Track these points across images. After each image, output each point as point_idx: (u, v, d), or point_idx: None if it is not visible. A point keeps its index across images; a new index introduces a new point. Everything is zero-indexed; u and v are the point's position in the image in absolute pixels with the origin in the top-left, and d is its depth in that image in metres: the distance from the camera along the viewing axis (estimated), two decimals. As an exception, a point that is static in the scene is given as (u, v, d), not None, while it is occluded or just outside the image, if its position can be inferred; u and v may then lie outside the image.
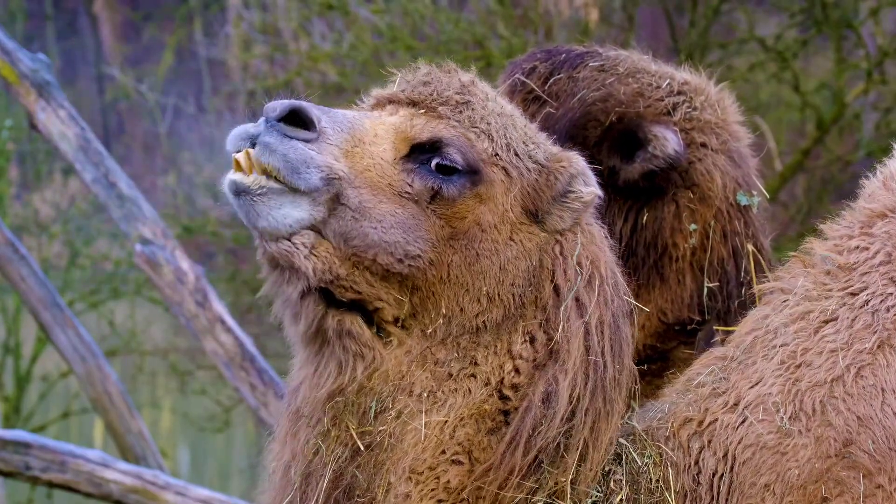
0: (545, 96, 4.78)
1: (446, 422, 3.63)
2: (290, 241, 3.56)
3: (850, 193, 4.06)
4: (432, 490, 3.63)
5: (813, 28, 13.27)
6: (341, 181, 3.57)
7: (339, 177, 3.57)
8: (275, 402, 8.66)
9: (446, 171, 3.68)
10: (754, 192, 4.78)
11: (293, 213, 3.56)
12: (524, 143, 3.80)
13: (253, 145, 3.57)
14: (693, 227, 4.68)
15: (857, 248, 3.84)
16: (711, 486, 3.67)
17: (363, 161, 3.62)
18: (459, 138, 3.70)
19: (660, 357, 4.69)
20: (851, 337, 3.69)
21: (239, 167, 3.57)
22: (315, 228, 3.57)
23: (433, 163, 3.68)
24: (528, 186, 3.75)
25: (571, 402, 3.65)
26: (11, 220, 15.74)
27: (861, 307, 3.73)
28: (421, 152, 3.69)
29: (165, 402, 18.66)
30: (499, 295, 3.67)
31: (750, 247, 4.71)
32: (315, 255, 3.57)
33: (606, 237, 3.88)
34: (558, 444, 3.64)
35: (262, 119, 3.60)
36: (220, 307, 8.78)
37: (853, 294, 3.76)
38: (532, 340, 3.70)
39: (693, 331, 4.74)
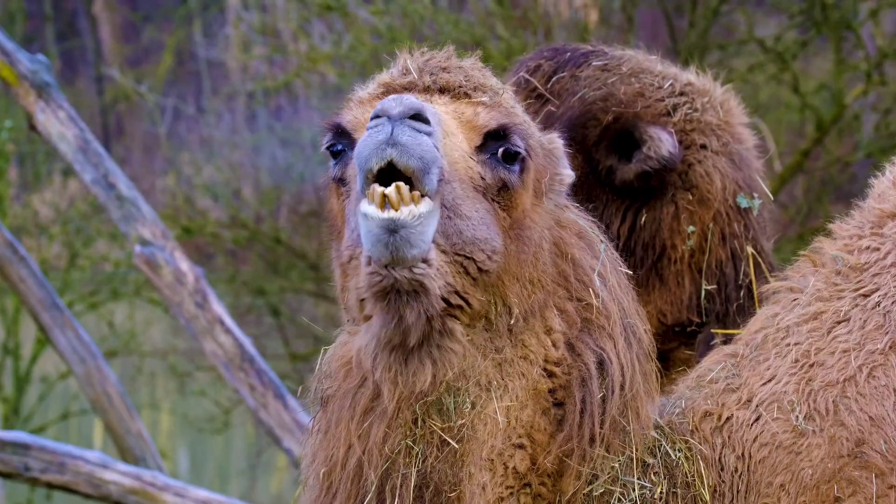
0: (548, 94, 4.79)
1: (510, 406, 3.65)
2: (425, 261, 3.44)
3: (849, 194, 4.07)
4: (502, 476, 3.65)
5: (812, 29, 13.27)
6: (444, 181, 3.49)
7: (445, 177, 3.49)
8: (274, 403, 8.66)
9: (510, 159, 3.64)
10: (755, 195, 4.77)
11: (432, 228, 3.44)
12: (533, 128, 3.82)
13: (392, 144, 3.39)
14: (691, 229, 4.68)
15: (868, 248, 3.86)
16: (732, 483, 3.71)
17: (453, 154, 3.55)
18: (518, 124, 3.68)
19: (660, 358, 4.68)
20: (863, 338, 3.72)
21: (384, 203, 3.38)
22: (434, 237, 3.46)
23: (500, 151, 3.63)
24: (541, 169, 3.76)
25: (622, 367, 3.68)
26: (11, 221, 15.72)
27: (873, 308, 3.76)
28: (494, 140, 3.63)
29: (165, 404, 18.64)
30: (538, 278, 3.69)
31: (749, 249, 4.71)
32: (439, 271, 3.46)
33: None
34: (623, 411, 3.67)
35: (382, 119, 3.43)
36: (219, 308, 8.78)
37: (865, 295, 3.79)
38: (562, 312, 3.72)
39: (693, 332, 4.75)
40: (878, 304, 3.74)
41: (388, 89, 3.73)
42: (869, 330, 3.71)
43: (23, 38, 19.28)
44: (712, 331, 4.64)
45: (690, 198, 4.70)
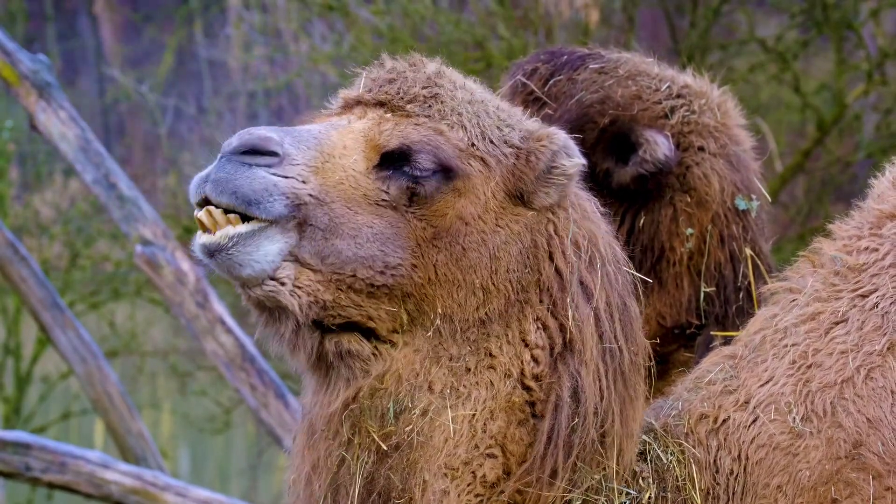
0: (545, 98, 4.78)
1: (474, 415, 3.62)
2: (273, 279, 3.54)
3: (850, 195, 4.06)
4: (469, 485, 3.62)
5: (813, 29, 13.27)
6: (307, 205, 3.54)
7: (304, 202, 3.54)
8: (275, 402, 8.66)
9: (423, 175, 3.63)
10: (754, 197, 4.77)
11: (270, 247, 3.53)
12: (498, 128, 3.74)
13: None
14: (690, 231, 4.67)
15: (867, 248, 3.83)
16: (728, 486, 3.68)
17: (335, 175, 3.59)
18: (430, 138, 3.65)
19: (660, 360, 4.68)
20: (861, 339, 3.69)
21: (204, 227, 3.54)
22: (293, 255, 3.54)
23: (405, 169, 3.63)
24: (508, 171, 3.70)
25: (597, 396, 3.62)
26: (12, 221, 15.72)
27: (871, 309, 3.73)
28: (392, 160, 3.64)
29: (166, 403, 18.65)
30: (495, 284, 3.64)
31: (748, 251, 4.70)
32: (299, 288, 3.54)
33: (599, 210, 3.84)
34: (595, 440, 3.62)
35: (218, 155, 3.58)
36: (220, 308, 8.78)
37: (863, 296, 3.76)
38: (545, 328, 3.67)
39: (692, 335, 4.74)
40: (877, 304, 3.72)
41: (345, 103, 3.81)
42: (867, 331, 3.69)
43: (24, 37, 19.27)
44: (712, 333, 4.63)
45: (689, 200, 4.70)
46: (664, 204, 4.69)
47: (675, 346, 4.72)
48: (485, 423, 3.62)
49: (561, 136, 3.78)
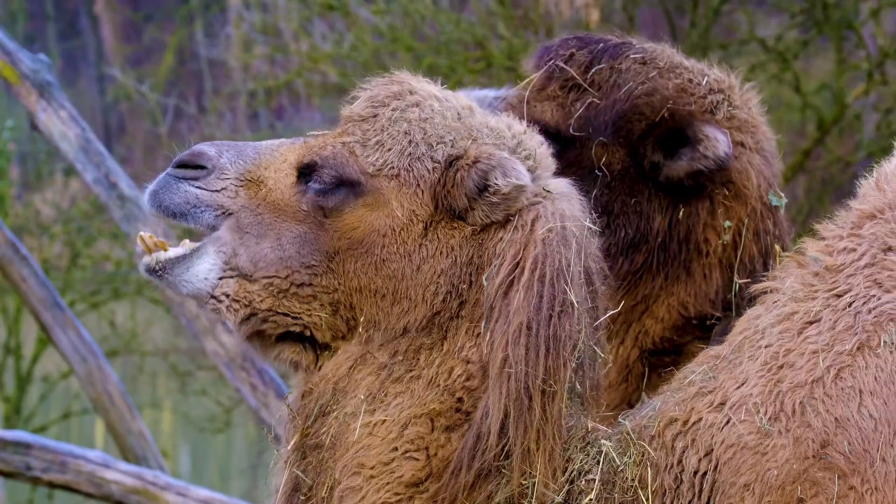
0: (586, 85, 4.71)
1: (394, 420, 3.71)
2: (213, 297, 3.78)
3: (850, 194, 4.05)
4: (387, 484, 3.71)
5: (813, 29, 13.30)
6: (237, 213, 3.79)
7: (232, 210, 3.79)
8: (276, 402, 8.66)
9: (325, 189, 3.81)
10: (781, 194, 4.77)
11: (201, 266, 3.79)
12: (430, 144, 3.79)
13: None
14: (728, 223, 4.63)
15: (846, 249, 3.80)
16: (693, 484, 3.66)
17: (265, 187, 3.82)
18: (338, 156, 3.82)
19: (674, 351, 4.66)
20: (833, 338, 3.66)
21: (147, 248, 3.80)
22: (230, 267, 3.78)
23: (310, 184, 3.82)
24: (436, 185, 3.77)
25: (502, 416, 3.65)
26: (12, 220, 15.72)
27: (844, 309, 3.69)
28: (304, 175, 3.83)
29: (166, 403, 18.67)
30: (419, 294, 3.73)
31: (777, 247, 4.68)
32: (237, 302, 3.77)
33: (563, 229, 3.77)
34: (502, 458, 3.66)
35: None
36: (221, 308, 8.77)
37: (838, 296, 3.73)
38: (480, 345, 3.73)
39: (711, 326, 4.71)
40: (850, 304, 3.68)
41: None
42: (839, 331, 3.65)
43: (24, 37, 19.30)
44: (732, 325, 4.60)
45: (727, 193, 4.65)
46: (702, 196, 4.64)
47: (690, 338, 4.68)
48: (403, 428, 3.71)
49: (496, 156, 3.76)
